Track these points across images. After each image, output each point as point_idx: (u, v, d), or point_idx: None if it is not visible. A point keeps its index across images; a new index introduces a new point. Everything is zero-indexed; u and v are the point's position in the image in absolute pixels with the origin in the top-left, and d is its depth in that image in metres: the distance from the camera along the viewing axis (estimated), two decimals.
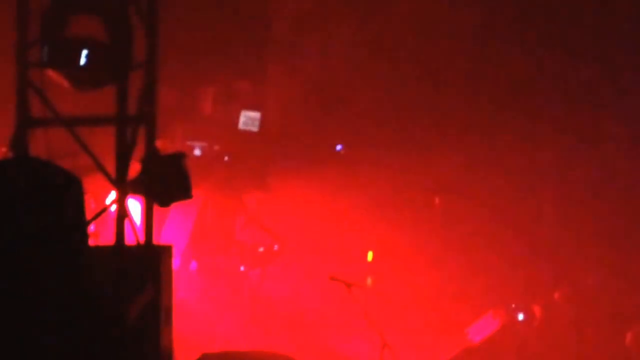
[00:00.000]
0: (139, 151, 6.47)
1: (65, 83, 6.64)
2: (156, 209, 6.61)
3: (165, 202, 6.56)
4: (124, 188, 6.23)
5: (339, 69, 14.25)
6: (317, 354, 11.76)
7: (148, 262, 6.50)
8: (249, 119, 13.28)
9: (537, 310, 11.30)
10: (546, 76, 13.47)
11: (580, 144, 13.12)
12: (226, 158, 12.78)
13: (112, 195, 7.10)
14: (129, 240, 6.41)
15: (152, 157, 6.49)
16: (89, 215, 6.20)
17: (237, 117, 13.34)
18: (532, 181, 13.43)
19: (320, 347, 12.13)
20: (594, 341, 10.83)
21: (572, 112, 13.25)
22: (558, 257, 12.79)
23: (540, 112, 13.51)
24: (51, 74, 6.62)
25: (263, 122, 13.39)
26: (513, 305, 11.51)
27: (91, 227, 8.21)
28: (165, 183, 6.41)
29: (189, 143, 12.52)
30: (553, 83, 13.36)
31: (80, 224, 5.73)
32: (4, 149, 6.49)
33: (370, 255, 13.21)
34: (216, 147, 12.88)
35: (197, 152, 12.57)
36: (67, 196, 5.60)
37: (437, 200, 11.81)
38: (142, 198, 6.58)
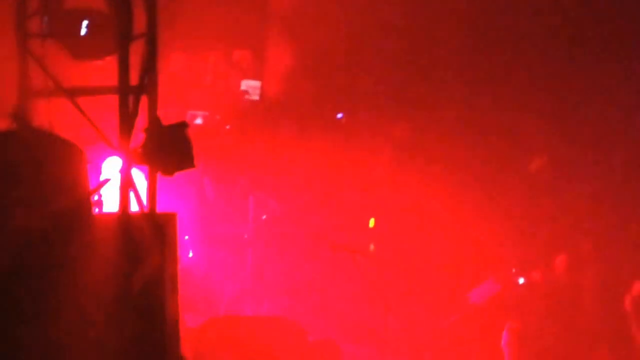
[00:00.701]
0: (141, 121, 6.50)
1: (66, 54, 6.69)
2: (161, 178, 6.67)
3: (168, 172, 6.61)
4: (128, 157, 6.27)
5: (339, 37, 14.27)
6: (321, 319, 11.87)
7: (152, 230, 6.55)
8: (249, 88, 13.34)
9: (537, 276, 11.39)
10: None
11: (578, 106, 13.17)
12: (228, 127, 12.84)
13: (114, 164, 7.15)
14: (133, 209, 6.46)
15: (154, 127, 6.52)
16: (92, 184, 6.27)
17: (238, 86, 13.39)
18: (529, 146, 13.50)
19: (323, 312, 12.23)
20: (593, 305, 10.92)
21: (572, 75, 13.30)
22: (556, 223, 12.87)
23: (540, 73, 13.54)
24: (52, 44, 6.66)
25: (263, 90, 13.45)
26: (513, 270, 11.59)
27: (94, 197, 8.26)
28: (168, 152, 6.45)
29: (190, 112, 12.56)
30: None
31: (84, 193, 5.79)
32: (6, 120, 6.50)
33: (372, 222, 13.28)
34: (217, 116, 12.93)
35: (198, 121, 12.62)
36: (71, 166, 5.66)
37: (438, 167, 11.86)
38: (146, 167, 6.63)
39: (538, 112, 13.49)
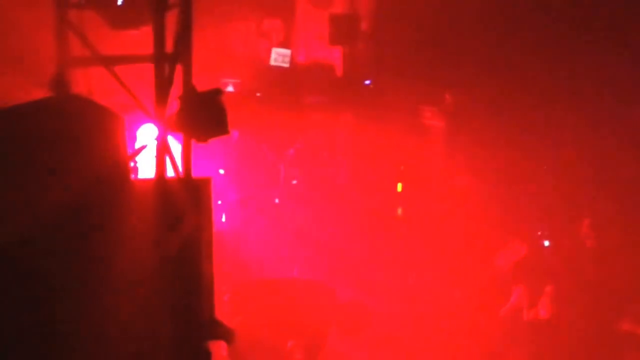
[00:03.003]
0: (176, 89, 6.61)
1: (103, 23, 6.80)
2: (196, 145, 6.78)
3: (202, 138, 6.71)
4: (163, 124, 6.38)
5: (365, 5, 14.32)
6: (349, 280, 11.98)
7: (188, 195, 6.66)
8: (279, 56, 13.41)
9: (563, 241, 11.45)
10: None
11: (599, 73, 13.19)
12: (258, 94, 12.91)
13: (150, 131, 7.27)
14: (169, 175, 6.58)
15: (189, 94, 6.63)
16: (129, 151, 6.39)
17: (269, 54, 13.48)
18: (553, 113, 13.53)
19: (351, 273, 12.34)
20: (617, 268, 10.99)
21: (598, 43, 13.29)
22: (580, 188, 12.92)
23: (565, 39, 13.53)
24: (90, 14, 6.77)
25: (293, 58, 13.52)
26: (539, 233, 11.65)
27: (132, 163, 8.37)
28: (202, 119, 6.54)
29: (222, 80, 12.65)
30: None
31: (122, 159, 5.90)
32: (46, 88, 6.64)
33: (399, 187, 13.37)
34: (249, 84, 13.01)
35: (230, 88, 12.70)
36: (110, 132, 5.75)
37: (464, 131, 11.92)
38: (181, 134, 6.73)
39: (563, 80, 13.52)
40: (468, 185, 12.61)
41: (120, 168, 5.83)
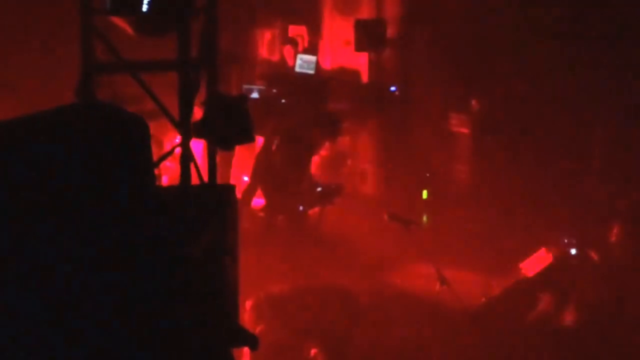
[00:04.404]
0: (201, 96, 6.62)
1: (128, 30, 6.79)
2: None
3: (227, 146, 6.72)
4: (188, 131, 6.38)
5: (391, 12, 14.34)
6: (374, 290, 11.96)
7: (212, 201, 6.66)
8: (305, 62, 13.43)
9: (592, 254, 11.35)
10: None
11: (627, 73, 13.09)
12: (283, 101, 12.91)
13: (176, 138, 7.28)
14: (193, 182, 6.59)
15: (214, 101, 6.63)
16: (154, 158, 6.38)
17: (294, 60, 13.50)
18: (582, 119, 13.45)
19: (377, 282, 12.32)
20: None
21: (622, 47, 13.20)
22: (610, 194, 12.83)
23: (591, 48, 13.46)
24: (115, 20, 6.78)
25: (319, 64, 13.55)
26: (565, 240, 11.57)
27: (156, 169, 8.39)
28: (227, 126, 6.54)
29: (246, 87, 12.67)
30: None
31: (147, 165, 5.88)
32: (70, 94, 6.65)
33: (425, 194, 13.34)
34: (274, 90, 13.01)
35: (254, 95, 12.71)
36: (135, 138, 5.73)
37: (490, 138, 11.88)
38: (205, 141, 6.74)
39: (591, 85, 13.43)
40: (494, 191, 12.56)
41: (145, 175, 5.80)
